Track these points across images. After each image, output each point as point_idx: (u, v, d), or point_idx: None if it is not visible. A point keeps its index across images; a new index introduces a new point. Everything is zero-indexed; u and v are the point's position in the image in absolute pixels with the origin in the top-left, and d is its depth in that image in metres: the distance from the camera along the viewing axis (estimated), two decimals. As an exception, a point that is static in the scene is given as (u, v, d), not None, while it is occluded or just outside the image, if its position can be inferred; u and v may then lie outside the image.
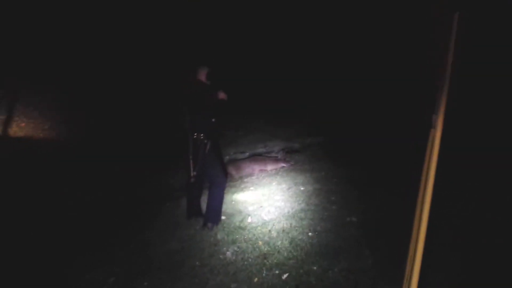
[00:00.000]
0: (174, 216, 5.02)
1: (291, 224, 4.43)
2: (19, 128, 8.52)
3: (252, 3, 10.80)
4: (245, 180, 6.44)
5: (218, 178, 4.50)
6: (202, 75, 4.57)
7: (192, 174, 4.41)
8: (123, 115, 8.72)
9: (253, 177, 6.50)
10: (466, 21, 2.53)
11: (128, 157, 7.19)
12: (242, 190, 5.84)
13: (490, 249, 3.43)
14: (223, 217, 4.77)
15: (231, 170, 6.80)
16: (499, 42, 5.28)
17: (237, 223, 4.61)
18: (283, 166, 6.74)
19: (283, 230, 4.30)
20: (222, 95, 4.56)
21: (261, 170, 6.77)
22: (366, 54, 9.41)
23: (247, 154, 7.76)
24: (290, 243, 3.99)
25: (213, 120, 4.47)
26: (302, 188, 5.54)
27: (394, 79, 8.25)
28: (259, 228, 4.42)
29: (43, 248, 4.38)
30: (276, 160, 6.92)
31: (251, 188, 5.87)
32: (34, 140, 8.17)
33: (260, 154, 7.58)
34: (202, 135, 4.39)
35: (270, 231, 4.32)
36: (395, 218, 4.15)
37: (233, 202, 5.33)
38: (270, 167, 6.80)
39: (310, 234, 4.14)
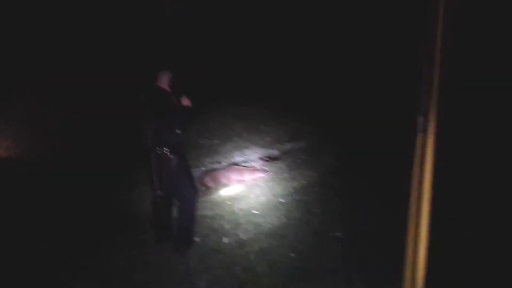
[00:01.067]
0: (141, 240, 4.51)
1: (270, 243, 4.01)
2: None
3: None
4: (221, 192, 6.00)
5: (188, 195, 4.06)
6: (164, 81, 4.10)
7: (157, 194, 3.94)
8: (85, 128, 8.16)
9: (230, 189, 6.05)
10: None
11: (93, 173, 6.65)
12: (217, 205, 5.39)
13: (494, 269, 3.06)
14: (196, 239, 4.31)
15: (207, 181, 6.34)
16: (496, 35, 4.87)
17: (212, 245, 4.17)
18: (261, 176, 6.31)
19: (262, 252, 3.87)
20: (186, 101, 4.11)
21: (238, 181, 6.33)
22: (351, 50, 9.03)
23: (224, 163, 7.30)
24: (270, 267, 3.57)
25: (178, 131, 4.01)
26: (282, 201, 5.12)
27: (379, 76, 7.88)
28: (236, 250, 3.99)
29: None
30: (253, 169, 6.48)
31: (228, 202, 5.43)
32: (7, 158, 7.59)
33: (237, 164, 7.13)
34: (166, 149, 3.92)
35: (248, 253, 3.89)
36: (385, 231, 3.77)
37: (207, 220, 4.87)
38: (247, 177, 6.36)
39: (291, 254, 3.73)
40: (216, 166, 7.15)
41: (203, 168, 7.11)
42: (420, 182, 2.19)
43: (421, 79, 2.27)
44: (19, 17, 9.57)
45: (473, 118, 4.66)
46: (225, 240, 4.23)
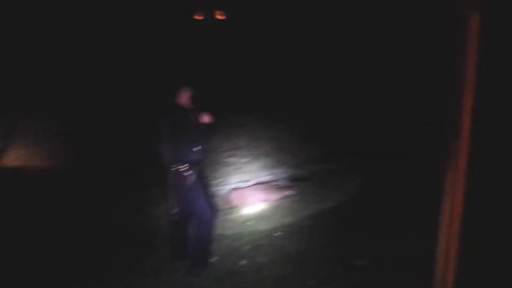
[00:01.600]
0: (158, 257, 4.39)
1: (289, 269, 3.77)
2: (18, 155, 8.16)
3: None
4: (245, 211, 5.82)
5: (204, 214, 3.91)
6: (184, 98, 4.02)
7: (173, 212, 3.82)
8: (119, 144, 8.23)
9: (254, 208, 5.87)
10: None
11: (110, 189, 6.66)
12: (239, 224, 5.22)
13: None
14: (213, 259, 4.14)
15: (232, 199, 6.20)
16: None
17: (228, 267, 3.98)
18: (287, 195, 6.10)
19: (280, 278, 3.64)
20: (206, 118, 4.00)
21: (263, 200, 6.14)
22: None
23: (251, 182, 7.14)
24: (286, 296, 3.32)
25: (197, 148, 3.90)
26: (306, 223, 4.88)
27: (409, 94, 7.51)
28: (252, 274, 3.79)
29: None
30: (280, 188, 6.27)
31: (250, 222, 5.24)
32: (31, 168, 7.77)
33: (264, 183, 6.95)
34: (184, 166, 3.81)
35: (264, 278, 3.67)
36: (414, 261, 3.45)
37: (227, 240, 4.69)
38: (273, 196, 6.17)
39: (309, 283, 3.47)
40: (243, 184, 7.00)
41: (229, 186, 6.98)
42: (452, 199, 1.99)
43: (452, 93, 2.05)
44: (38, 22, 9.91)
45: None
46: (243, 262, 4.03)
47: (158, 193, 5.77)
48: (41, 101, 9.48)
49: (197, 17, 10.67)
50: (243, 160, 8.15)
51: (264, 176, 7.32)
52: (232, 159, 8.21)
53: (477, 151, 1.95)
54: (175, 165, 3.83)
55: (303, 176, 7.11)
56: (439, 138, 2.16)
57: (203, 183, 4.18)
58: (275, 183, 6.75)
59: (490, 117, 1.97)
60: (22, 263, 4.42)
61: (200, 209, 3.89)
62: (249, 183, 7.07)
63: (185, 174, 3.81)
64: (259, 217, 5.39)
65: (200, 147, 3.90)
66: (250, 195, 6.23)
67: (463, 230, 2.01)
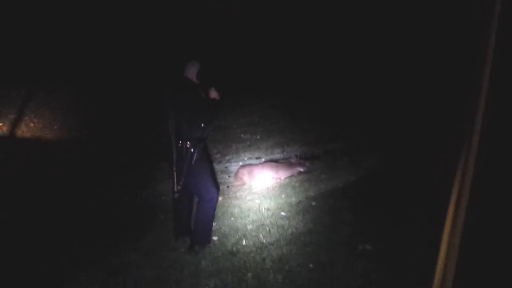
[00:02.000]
0: (164, 233, 4.38)
1: (291, 250, 3.69)
2: (27, 128, 8.23)
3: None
4: (254, 189, 5.75)
5: (207, 192, 3.84)
6: (192, 72, 3.90)
7: (175, 189, 3.76)
8: (132, 117, 8.21)
9: (263, 186, 5.79)
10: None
11: (133, 161, 6.66)
12: (246, 203, 5.14)
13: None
14: (215, 238, 4.10)
15: (242, 176, 6.12)
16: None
17: (229, 247, 3.92)
18: (300, 171, 5.99)
19: (281, 259, 3.57)
20: (214, 94, 3.88)
21: (273, 178, 6.05)
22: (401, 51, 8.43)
23: (263, 160, 7.05)
24: (284, 278, 3.25)
25: (203, 125, 3.79)
26: (313, 203, 4.77)
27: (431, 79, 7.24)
28: (252, 254, 3.71)
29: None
30: (290, 166, 6.15)
31: (257, 200, 5.16)
32: (40, 141, 7.84)
33: (276, 160, 6.85)
34: (188, 143, 3.72)
35: (264, 259, 3.60)
36: (419, 251, 3.32)
37: (232, 219, 4.65)
38: (284, 173, 6.06)
39: (311, 266, 3.39)
40: (254, 161, 6.92)
41: (241, 163, 6.91)
42: (461, 190, 1.87)
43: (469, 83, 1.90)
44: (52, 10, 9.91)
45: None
46: (244, 242, 3.97)
47: (163, 168, 5.75)
48: (51, 73, 9.52)
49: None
50: (256, 136, 8.06)
51: (276, 154, 7.22)
52: (245, 136, 8.13)
53: (488, 150, 1.82)
54: (179, 142, 3.74)
55: (315, 154, 6.98)
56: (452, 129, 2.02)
57: (208, 161, 4.11)
58: (286, 161, 6.64)
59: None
60: (17, 240, 4.49)
61: (204, 187, 3.81)
62: (260, 160, 6.98)
63: (190, 151, 3.72)
64: (266, 196, 5.31)
65: (205, 124, 3.79)
66: (259, 172, 6.12)
67: (467, 228, 1.88)
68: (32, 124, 8.27)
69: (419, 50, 8.29)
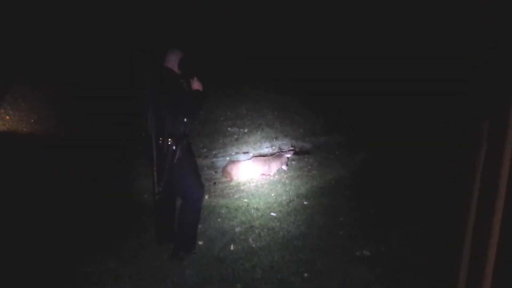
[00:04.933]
0: (146, 236, 4.03)
1: (283, 257, 3.39)
2: (2, 121, 7.76)
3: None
4: (242, 187, 5.43)
5: (191, 193, 3.50)
6: (172, 61, 3.53)
7: (156, 190, 3.42)
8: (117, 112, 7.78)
9: (252, 183, 5.48)
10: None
11: (112, 158, 6.28)
12: (234, 201, 4.83)
13: None
14: (200, 242, 3.78)
15: (229, 172, 5.79)
16: None
17: (216, 252, 3.61)
18: (287, 170, 5.69)
19: (272, 267, 3.27)
20: (196, 85, 3.52)
21: (262, 174, 5.74)
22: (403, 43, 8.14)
23: (251, 154, 6.73)
24: (277, 289, 2.95)
25: (185, 119, 3.44)
26: (305, 203, 4.49)
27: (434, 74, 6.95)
28: (241, 261, 3.41)
29: None
30: (280, 162, 5.83)
31: (245, 199, 4.85)
32: (16, 135, 7.38)
33: (265, 155, 6.53)
34: (169, 140, 3.38)
35: (255, 267, 3.29)
36: (420, 256, 3.06)
37: (219, 220, 4.32)
38: (273, 170, 5.75)
39: (305, 275, 3.10)
40: (242, 156, 6.60)
41: (228, 158, 6.58)
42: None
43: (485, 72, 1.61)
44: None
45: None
46: (232, 247, 3.66)
47: (146, 164, 5.39)
48: (37, 65, 9.03)
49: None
50: (244, 130, 7.72)
51: (264, 148, 6.91)
52: (232, 129, 7.79)
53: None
54: (160, 138, 3.39)
55: (305, 149, 6.69)
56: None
57: (192, 158, 3.77)
58: (275, 156, 6.34)
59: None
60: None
61: (187, 187, 3.48)
62: (248, 155, 6.66)
63: (171, 148, 3.37)
64: (255, 194, 5.01)
65: (189, 118, 3.45)
66: (248, 168, 5.82)
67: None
68: (8, 117, 7.80)
69: (410, 44, 8.02)
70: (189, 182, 3.50)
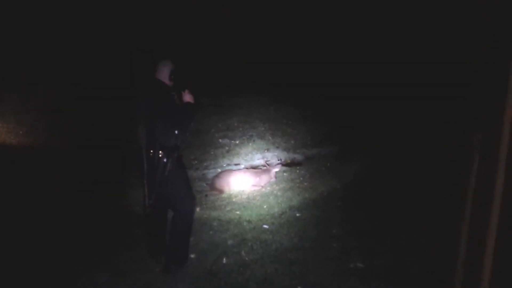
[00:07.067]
0: (138, 249, 3.96)
1: (276, 270, 3.36)
2: (-9, 133, 7.67)
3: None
4: (233, 199, 5.40)
5: (182, 206, 3.47)
6: (164, 73, 3.51)
7: (147, 203, 3.38)
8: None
9: (243, 196, 5.45)
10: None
11: (103, 169, 6.21)
12: (226, 214, 4.79)
13: None
14: (192, 255, 3.73)
15: (220, 184, 5.75)
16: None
17: (208, 266, 3.56)
18: (279, 182, 5.67)
19: (265, 280, 3.24)
20: (188, 98, 3.51)
21: (254, 186, 5.72)
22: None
23: (242, 166, 6.71)
24: (270, 303, 2.92)
25: (177, 132, 3.42)
26: (297, 215, 4.47)
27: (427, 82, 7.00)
28: (234, 274, 3.37)
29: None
30: (272, 173, 5.81)
31: (237, 211, 4.82)
32: (4, 147, 7.29)
33: (256, 167, 6.52)
34: (160, 152, 3.34)
35: (247, 280, 3.26)
36: (414, 268, 3.05)
37: (211, 232, 4.28)
38: (264, 182, 5.73)
39: (299, 288, 3.07)
40: (233, 168, 6.57)
41: (219, 170, 6.54)
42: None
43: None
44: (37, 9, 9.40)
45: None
46: (225, 260, 3.62)
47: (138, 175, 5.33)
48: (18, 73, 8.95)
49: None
50: (235, 141, 7.70)
51: (256, 160, 6.89)
52: (223, 141, 7.76)
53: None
54: (151, 150, 3.36)
55: (297, 160, 6.69)
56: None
57: (183, 170, 3.74)
58: (267, 167, 6.32)
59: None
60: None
61: (178, 200, 3.45)
62: (239, 167, 6.64)
63: (162, 161, 3.34)
64: (247, 206, 4.97)
65: (180, 131, 3.42)
66: (239, 180, 5.79)
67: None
68: (-5, 130, 7.72)
69: (403, 49, 8.10)
70: (180, 195, 3.47)
